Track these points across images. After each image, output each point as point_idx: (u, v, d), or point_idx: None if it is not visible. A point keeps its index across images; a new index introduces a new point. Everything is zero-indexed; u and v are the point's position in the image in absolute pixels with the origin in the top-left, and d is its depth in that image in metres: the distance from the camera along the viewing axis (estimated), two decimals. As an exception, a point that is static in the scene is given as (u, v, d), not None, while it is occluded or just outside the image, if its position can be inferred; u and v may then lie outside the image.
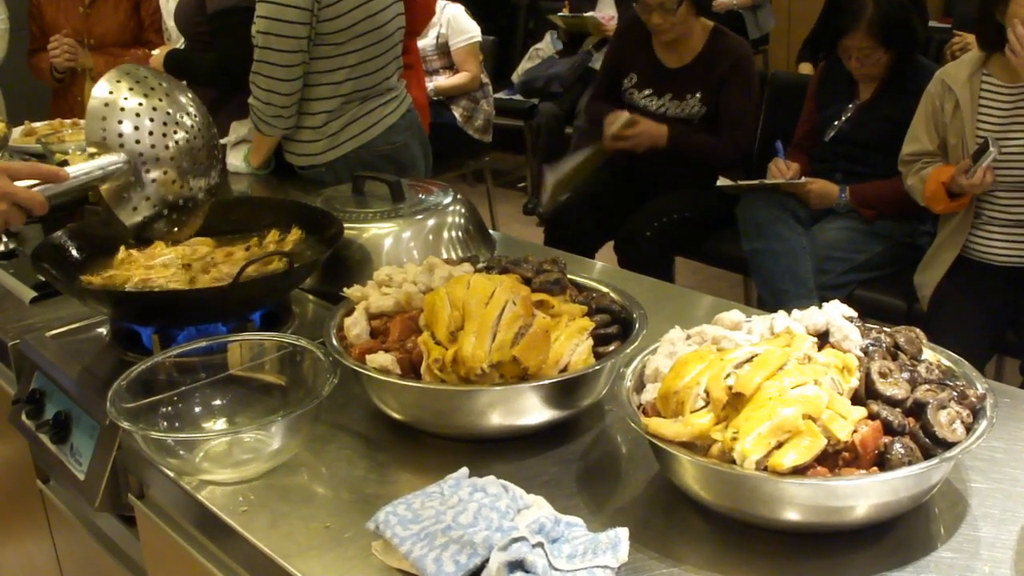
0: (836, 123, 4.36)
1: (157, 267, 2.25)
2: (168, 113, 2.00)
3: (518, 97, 7.49)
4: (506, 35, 8.11)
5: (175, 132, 2.00)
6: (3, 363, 2.34)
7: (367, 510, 1.54)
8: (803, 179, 4.27)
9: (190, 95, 2.09)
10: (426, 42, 6.35)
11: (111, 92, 1.98)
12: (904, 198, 4.07)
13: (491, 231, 2.72)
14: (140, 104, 1.98)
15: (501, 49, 7.96)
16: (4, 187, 1.77)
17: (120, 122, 1.96)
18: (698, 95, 4.64)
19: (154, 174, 1.98)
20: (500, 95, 7.34)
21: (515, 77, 7.65)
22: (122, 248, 2.33)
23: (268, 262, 2.21)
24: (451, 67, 6.52)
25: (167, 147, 1.99)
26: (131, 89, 1.99)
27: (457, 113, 6.42)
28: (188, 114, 2.04)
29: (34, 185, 1.82)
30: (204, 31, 3.67)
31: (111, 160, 1.95)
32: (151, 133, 1.97)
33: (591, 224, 4.87)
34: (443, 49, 6.46)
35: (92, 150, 1.96)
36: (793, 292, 4.06)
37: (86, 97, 4.78)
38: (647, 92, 4.76)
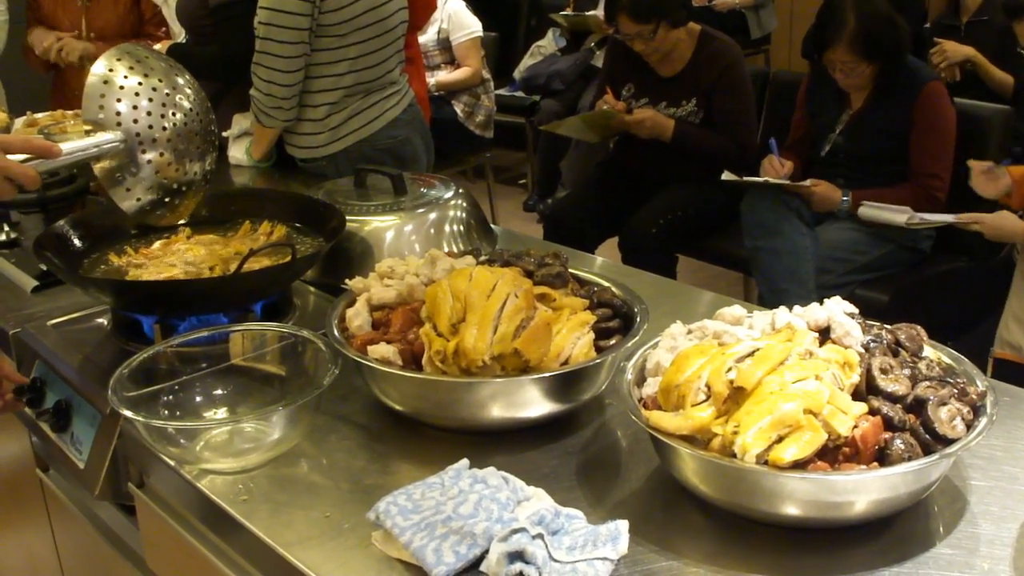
0: (831, 136, 4.35)
1: (179, 266, 2.25)
2: (166, 94, 1.98)
3: (520, 94, 7.50)
4: (508, 32, 8.11)
5: (172, 114, 1.98)
6: (4, 351, 2.34)
7: (367, 500, 1.54)
8: (808, 181, 4.26)
9: (188, 77, 2.07)
10: (427, 37, 6.34)
11: (110, 70, 1.96)
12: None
13: (492, 226, 2.72)
14: (139, 84, 1.96)
15: (503, 46, 7.96)
16: None
17: (118, 100, 1.94)
18: (693, 100, 4.67)
19: (150, 155, 1.96)
20: (502, 92, 7.35)
21: (517, 74, 7.65)
22: (128, 249, 2.33)
23: (271, 253, 2.21)
24: (452, 62, 6.52)
25: (164, 128, 1.97)
26: (131, 68, 1.97)
27: (458, 109, 6.42)
28: (186, 96, 2.02)
29: (27, 159, 1.80)
30: (206, 24, 3.67)
31: (106, 138, 1.93)
32: (149, 113, 1.96)
33: (590, 222, 4.88)
34: (444, 44, 6.45)
35: (88, 127, 1.95)
36: (793, 292, 4.05)
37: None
38: (644, 101, 4.78)
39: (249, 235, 2.40)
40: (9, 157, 1.78)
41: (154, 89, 1.97)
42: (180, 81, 2.04)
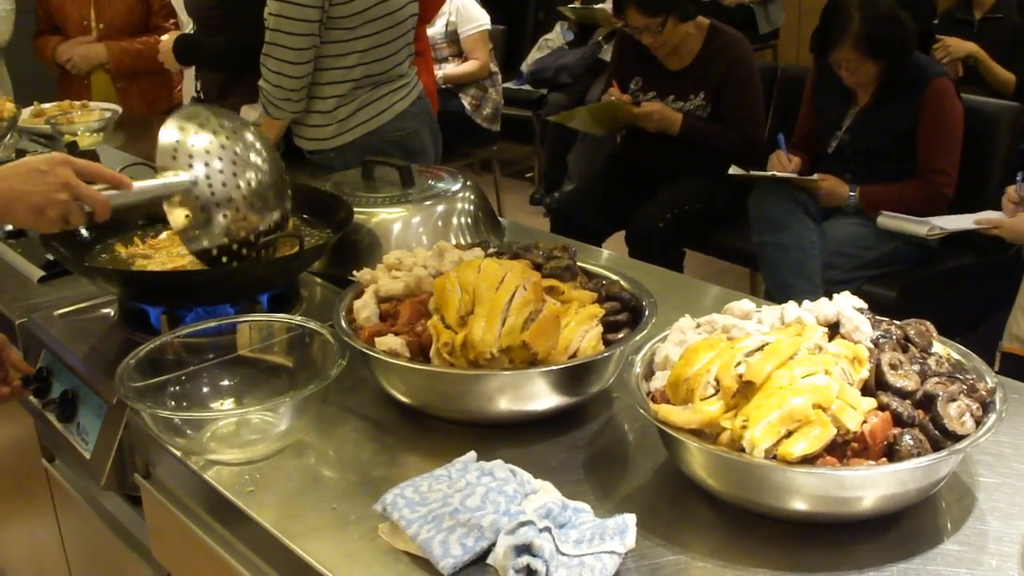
0: (838, 133, 4.33)
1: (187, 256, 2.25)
2: (236, 153, 1.99)
3: (527, 87, 7.48)
4: (516, 25, 8.09)
5: (245, 172, 1.99)
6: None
7: (374, 492, 1.54)
8: (815, 176, 4.25)
9: (253, 130, 2.08)
10: (435, 30, 6.33)
11: (181, 130, 1.98)
12: (915, 201, 4.04)
13: (500, 219, 2.71)
14: (210, 142, 1.97)
15: (510, 39, 7.95)
16: (68, 178, 1.74)
17: (191, 156, 1.96)
18: (701, 94, 4.65)
19: (224, 213, 1.98)
20: (509, 85, 7.33)
21: (524, 67, 7.64)
22: (135, 240, 2.33)
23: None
24: (460, 55, 6.51)
25: (239, 186, 1.98)
26: (201, 126, 1.98)
27: (466, 101, 6.41)
28: (257, 154, 2.03)
29: (100, 188, 1.80)
30: (213, 15, 3.66)
31: (177, 179, 1.93)
32: (221, 172, 1.97)
33: (597, 216, 4.87)
34: (452, 37, 6.44)
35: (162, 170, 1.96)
36: (799, 287, 4.04)
37: (93, 83, 4.79)
38: (652, 95, 4.77)
39: None
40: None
41: (222, 149, 1.98)
42: (250, 137, 2.04)
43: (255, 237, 2.03)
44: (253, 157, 2.02)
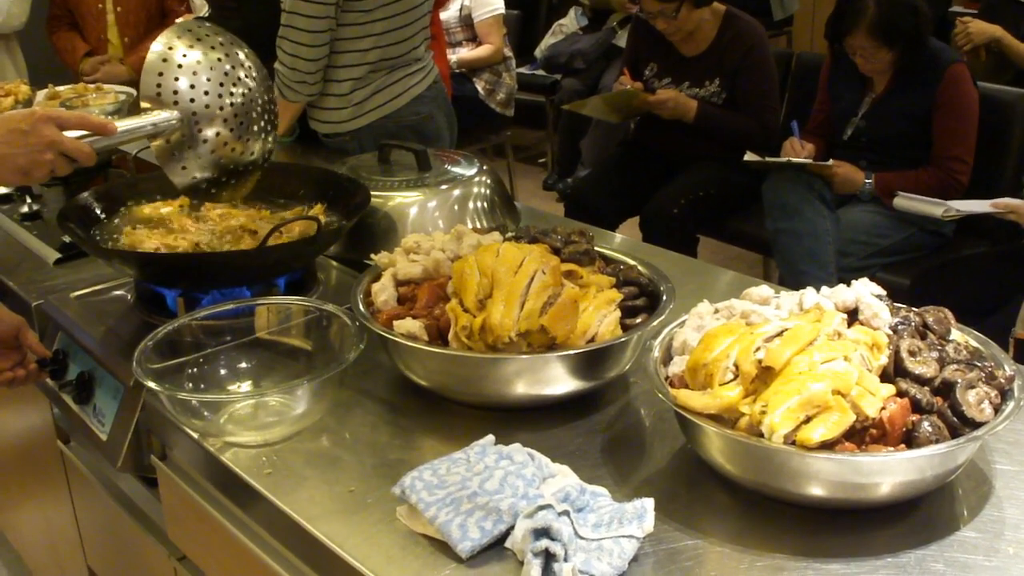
0: (853, 119, 4.32)
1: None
2: (227, 70, 1.95)
3: (541, 72, 7.47)
4: (530, 10, 8.08)
5: (232, 91, 1.95)
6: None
7: (391, 475, 1.55)
8: (830, 161, 4.24)
9: (247, 50, 2.04)
10: (449, 14, 6.32)
11: (169, 48, 1.93)
12: (931, 189, 4.03)
13: (515, 203, 2.71)
14: (198, 62, 1.92)
15: (524, 24, 7.94)
16: (52, 136, 1.75)
17: (177, 79, 1.91)
18: (716, 81, 4.64)
19: (208, 133, 1.93)
20: (523, 70, 7.32)
21: (538, 52, 7.62)
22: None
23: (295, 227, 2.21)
24: (474, 39, 6.49)
25: (221, 108, 1.93)
26: (190, 45, 1.94)
27: (479, 86, 6.39)
28: (248, 73, 1.99)
29: (83, 136, 1.80)
30: (229, -2, 3.66)
31: (163, 116, 1.90)
32: (206, 93, 1.92)
33: (611, 201, 4.87)
34: (466, 21, 6.43)
35: (145, 105, 1.93)
36: (813, 274, 4.03)
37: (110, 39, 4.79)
38: (667, 81, 4.76)
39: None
40: (65, 134, 1.78)
41: (211, 68, 1.94)
42: (240, 56, 2.01)
43: (236, 164, 2.01)
44: (244, 76, 1.98)
